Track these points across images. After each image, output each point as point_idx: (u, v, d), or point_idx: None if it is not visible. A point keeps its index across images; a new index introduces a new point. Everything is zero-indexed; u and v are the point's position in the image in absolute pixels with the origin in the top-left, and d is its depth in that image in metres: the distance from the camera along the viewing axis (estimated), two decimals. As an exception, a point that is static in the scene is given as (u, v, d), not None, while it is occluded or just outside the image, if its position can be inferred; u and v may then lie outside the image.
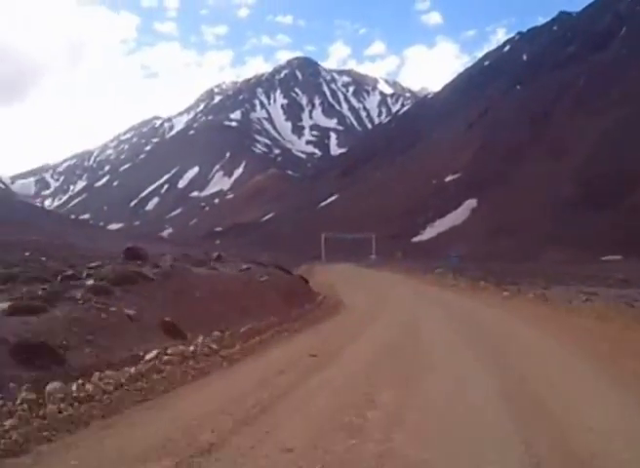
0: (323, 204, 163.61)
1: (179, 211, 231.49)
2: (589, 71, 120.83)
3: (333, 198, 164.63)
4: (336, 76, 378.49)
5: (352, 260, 74.83)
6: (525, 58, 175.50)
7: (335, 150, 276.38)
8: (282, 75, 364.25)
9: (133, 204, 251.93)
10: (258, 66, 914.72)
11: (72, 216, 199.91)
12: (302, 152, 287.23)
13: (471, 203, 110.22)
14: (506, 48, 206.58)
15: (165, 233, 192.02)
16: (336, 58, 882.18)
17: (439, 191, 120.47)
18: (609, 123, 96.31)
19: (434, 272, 41.44)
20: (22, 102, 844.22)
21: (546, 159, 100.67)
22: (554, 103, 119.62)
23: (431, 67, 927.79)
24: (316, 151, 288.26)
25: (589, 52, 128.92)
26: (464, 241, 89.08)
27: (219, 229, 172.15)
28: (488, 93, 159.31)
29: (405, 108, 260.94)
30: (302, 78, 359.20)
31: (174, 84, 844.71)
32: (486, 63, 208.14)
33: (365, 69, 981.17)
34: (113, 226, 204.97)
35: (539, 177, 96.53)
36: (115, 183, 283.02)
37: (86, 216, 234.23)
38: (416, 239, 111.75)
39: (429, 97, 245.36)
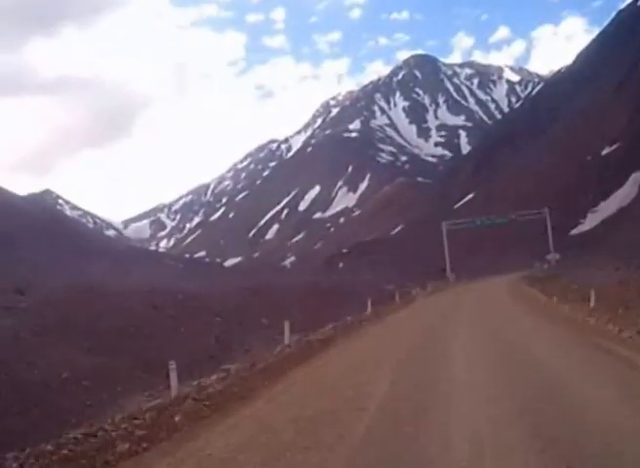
0: (457, 205, 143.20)
1: (301, 235, 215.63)
2: None
3: (469, 197, 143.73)
4: (457, 70, 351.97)
5: (511, 271, 46.54)
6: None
7: (466, 148, 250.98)
8: (400, 77, 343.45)
9: (251, 234, 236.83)
10: (378, 70, 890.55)
11: (187, 255, 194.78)
12: (432, 155, 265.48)
13: (638, 176, 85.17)
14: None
15: (287, 262, 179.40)
16: (460, 49, 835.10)
17: (596, 168, 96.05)
18: None
19: None
20: (130, 138, 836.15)
21: None
22: None
23: (561, 47, 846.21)
24: (446, 153, 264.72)
25: None
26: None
27: (345, 251, 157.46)
28: (633, 47, 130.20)
29: (537, 88, 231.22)
30: (422, 77, 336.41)
31: (291, 101, 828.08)
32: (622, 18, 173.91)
33: (491, 58, 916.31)
34: (231, 261, 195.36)
35: None
36: (231, 215, 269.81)
37: (202, 253, 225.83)
38: (575, 231, 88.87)
39: (562, 71, 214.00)
